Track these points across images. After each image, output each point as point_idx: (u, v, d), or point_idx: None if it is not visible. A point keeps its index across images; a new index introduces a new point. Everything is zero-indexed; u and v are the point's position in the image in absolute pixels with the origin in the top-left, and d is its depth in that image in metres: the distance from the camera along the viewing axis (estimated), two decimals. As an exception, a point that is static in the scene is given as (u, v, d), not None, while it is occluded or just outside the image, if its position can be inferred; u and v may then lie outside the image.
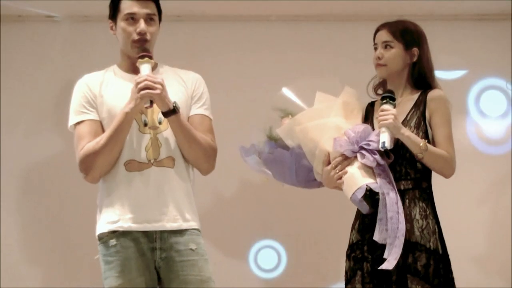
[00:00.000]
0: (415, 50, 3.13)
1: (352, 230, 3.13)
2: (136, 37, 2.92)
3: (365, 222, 3.05)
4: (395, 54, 3.11)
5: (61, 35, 4.69)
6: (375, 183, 2.92)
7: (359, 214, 3.11)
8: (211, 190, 4.42)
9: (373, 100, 3.27)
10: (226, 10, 4.66)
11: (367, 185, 2.91)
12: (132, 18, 2.94)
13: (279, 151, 3.11)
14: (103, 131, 2.91)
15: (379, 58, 3.13)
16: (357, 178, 2.95)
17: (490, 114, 4.78)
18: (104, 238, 2.91)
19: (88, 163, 2.88)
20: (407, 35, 3.13)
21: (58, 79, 4.52)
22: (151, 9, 2.97)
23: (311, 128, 3.04)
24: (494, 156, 4.69)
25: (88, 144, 2.89)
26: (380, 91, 3.26)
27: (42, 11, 4.60)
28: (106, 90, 2.97)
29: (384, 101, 3.00)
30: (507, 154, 4.64)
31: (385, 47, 3.12)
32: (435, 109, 3.08)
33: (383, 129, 2.94)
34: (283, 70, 4.30)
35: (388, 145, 2.92)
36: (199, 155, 2.95)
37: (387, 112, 2.96)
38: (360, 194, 2.91)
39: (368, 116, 3.21)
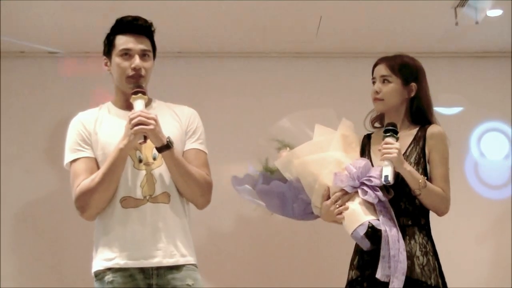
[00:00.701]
0: (413, 85, 3.12)
1: (350, 267, 3.10)
2: (131, 72, 2.94)
3: (365, 259, 3.02)
4: (393, 89, 3.11)
5: (63, 71, 4.71)
6: (377, 220, 2.90)
7: (357, 251, 3.08)
8: (208, 225, 4.40)
9: (369, 132, 3.26)
10: (226, 46, 4.70)
11: (369, 222, 2.89)
12: (127, 54, 2.95)
13: (275, 183, 3.10)
14: (99, 168, 2.91)
15: (377, 92, 3.12)
16: (359, 214, 2.92)
17: (491, 157, 4.78)
18: (100, 275, 2.89)
19: (84, 201, 2.88)
20: (406, 70, 3.12)
21: (60, 115, 4.53)
22: (146, 45, 2.98)
23: (310, 162, 3.02)
24: (495, 200, 4.71)
25: (84, 181, 2.88)
26: (377, 124, 3.25)
27: (45, 47, 4.63)
28: (100, 128, 2.97)
29: (388, 134, 2.98)
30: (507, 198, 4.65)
31: (383, 81, 3.11)
32: (434, 146, 3.06)
33: (386, 162, 2.92)
34: (282, 105, 4.30)
35: (390, 179, 2.89)
36: (194, 189, 2.95)
37: (391, 146, 2.93)
38: (362, 231, 2.89)
39: (365, 149, 3.19)
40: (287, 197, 3.09)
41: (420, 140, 3.08)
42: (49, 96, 4.66)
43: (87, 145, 2.96)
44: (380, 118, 3.25)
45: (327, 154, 3.04)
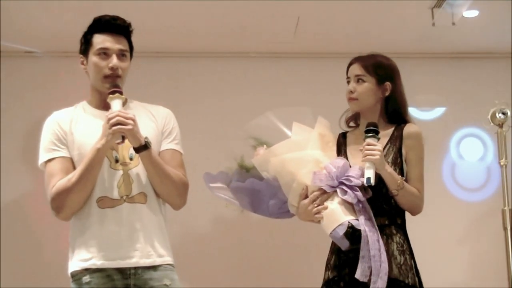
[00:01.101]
0: (388, 85, 3.11)
1: (327, 267, 3.09)
2: (108, 72, 2.91)
3: (342, 258, 3.02)
4: (367, 88, 3.10)
5: (40, 71, 4.69)
6: (356, 220, 2.88)
7: (334, 250, 3.07)
8: (184, 224, 4.38)
9: (343, 131, 3.26)
10: (204, 46, 4.71)
11: (349, 222, 2.88)
12: (104, 53, 2.93)
13: (251, 181, 3.06)
14: (74, 168, 2.88)
15: (351, 92, 3.11)
16: (338, 214, 2.90)
17: (469, 160, 4.83)
18: (77, 276, 2.86)
19: (60, 201, 2.85)
20: (380, 69, 3.11)
21: (36, 114, 4.51)
22: (123, 45, 2.96)
23: (288, 160, 3.00)
24: (472, 202, 4.80)
25: (60, 181, 2.85)
26: (352, 124, 3.25)
27: (22, 47, 4.61)
28: (76, 127, 2.94)
29: (370, 134, 2.95)
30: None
31: (358, 81, 3.11)
32: (411, 146, 3.06)
33: (368, 164, 2.90)
34: (260, 105, 4.26)
35: (373, 181, 2.88)
36: (171, 190, 2.93)
37: (373, 147, 2.91)
38: (342, 231, 2.86)
39: (341, 148, 3.17)
40: (263, 195, 3.06)
41: (396, 140, 3.07)
42: (26, 96, 4.64)
43: (62, 144, 2.92)
44: (354, 117, 3.24)
45: (306, 152, 3.02)
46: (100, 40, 2.93)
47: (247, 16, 4.30)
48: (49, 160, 2.92)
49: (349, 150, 3.13)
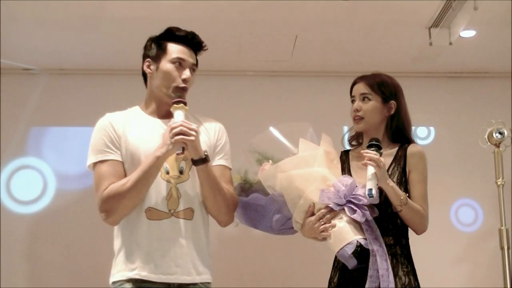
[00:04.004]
0: (393, 103, 3.11)
1: (330, 285, 3.07)
2: (181, 84, 2.88)
3: (346, 277, 3.00)
4: (373, 106, 3.09)
5: (38, 87, 4.71)
6: (365, 239, 2.87)
7: (338, 268, 3.05)
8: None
9: (345, 149, 3.24)
10: (201, 64, 4.70)
11: (357, 241, 2.85)
12: (179, 64, 2.90)
13: (255, 196, 3.02)
14: (124, 173, 2.84)
15: (357, 110, 3.10)
16: (347, 233, 2.87)
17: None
18: (119, 284, 2.81)
19: (111, 205, 2.78)
20: (385, 88, 3.11)
21: (34, 129, 4.54)
22: (195, 59, 2.96)
23: (296, 176, 2.96)
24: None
25: (113, 185, 2.79)
26: (354, 143, 3.25)
27: (20, 64, 4.62)
28: (130, 132, 2.88)
29: (372, 149, 2.94)
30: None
31: (363, 99, 3.09)
32: (414, 165, 3.06)
33: (370, 176, 2.88)
34: (257, 123, 4.32)
35: (374, 193, 2.86)
36: (222, 206, 2.89)
37: (375, 157, 2.88)
38: (351, 250, 2.84)
39: (344, 166, 3.15)
40: (266, 210, 3.02)
41: (401, 160, 3.06)
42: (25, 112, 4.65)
43: (116, 148, 2.86)
44: (357, 137, 3.24)
45: (313, 169, 2.98)
46: (177, 50, 2.91)
47: (245, 35, 4.31)
48: (100, 162, 2.85)
49: (352, 168, 3.12)
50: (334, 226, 2.89)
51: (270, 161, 3.05)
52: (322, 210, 2.92)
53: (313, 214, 2.94)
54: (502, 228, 3.97)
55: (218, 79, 4.80)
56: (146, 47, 2.98)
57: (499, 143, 4.03)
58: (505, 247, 3.95)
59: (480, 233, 4.76)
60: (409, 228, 3.04)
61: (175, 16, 3.98)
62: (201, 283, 2.85)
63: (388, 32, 4.28)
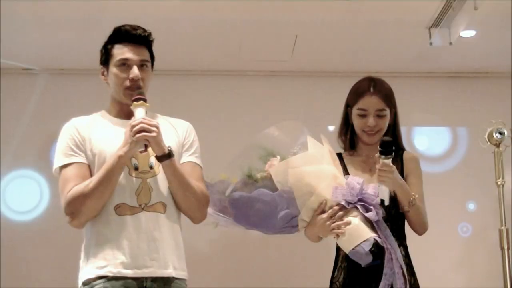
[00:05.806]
0: (393, 112, 3.13)
1: (334, 284, 3.05)
2: (128, 83, 2.87)
3: (351, 276, 2.99)
4: (387, 120, 3.09)
5: (38, 87, 4.71)
6: (379, 237, 2.86)
7: (342, 268, 3.04)
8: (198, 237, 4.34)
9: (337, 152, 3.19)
10: (201, 65, 4.72)
11: (374, 238, 2.84)
12: (124, 64, 2.89)
13: (261, 192, 2.96)
14: (91, 175, 2.82)
15: (373, 125, 3.06)
16: (363, 230, 2.86)
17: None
18: (89, 284, 2.77)
19: (75, 207, 2.76)
20: (393, 98, 3.11)
21: (35, 129, 4.53)
22: (144, 55, 2.92)
23: (308, 172, 2.92)
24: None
25: (76, 186, 2.77)
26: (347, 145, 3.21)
27: (20, 64, 4.62)
28: (94, 134, 2.88)
29: (389, 156, 2.87)
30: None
31: (378, 115, 3.07)
32: (412, 170, 3.09)
33: (384, 187, 2.88)
34: (257, 124, 4.30)
35: (386, 203, 2.89)
36: (193, 202, 2.87)
37: (388, 170, 2.87)
38: (368, 247, 2.82)
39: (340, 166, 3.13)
40: (272, 207, 2.96)
41: (398, 165, 3.05)
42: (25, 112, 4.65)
43: (80, 150, 2.85)
44: (351, 139, 3.19)
45: (324, 167, 2.96)
46: (120, 51, 2.89)
47: (244, 35, 4.31)
48: (65, 166, 2.84)
49: (351, 172, 3.11)
50: (349, 223, 2.87)
51: (278, 157, 3.01)
52: (335, 207, 2.89)
53: (322, 212, 2.91)
54: (502, 228, 3.96)
55: (218, 79, 4.80)
56: (100, 54, 2.98)
57: (499, 143, 4.01)
58: (505, 247, 3.94)
59: (480, 233, 4.75)
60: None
61: (175, 16, 4.00)
62: (177, 278, 2.82)
63: (388, 32, 4.28)
